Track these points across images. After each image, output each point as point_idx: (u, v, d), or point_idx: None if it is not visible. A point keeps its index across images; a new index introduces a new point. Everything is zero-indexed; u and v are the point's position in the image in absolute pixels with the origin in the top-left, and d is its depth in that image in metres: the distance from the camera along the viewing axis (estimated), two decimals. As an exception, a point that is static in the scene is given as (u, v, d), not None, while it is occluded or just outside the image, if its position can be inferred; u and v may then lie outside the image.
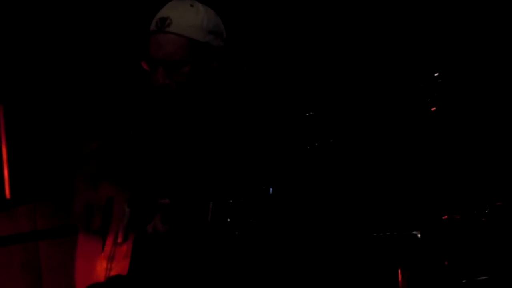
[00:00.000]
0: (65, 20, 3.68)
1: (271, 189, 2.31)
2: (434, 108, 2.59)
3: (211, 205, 2.32)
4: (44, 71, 3.66)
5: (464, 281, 2.77)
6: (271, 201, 2.31)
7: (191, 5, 2.52)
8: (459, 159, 2.89)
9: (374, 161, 3.07)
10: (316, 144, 2.59)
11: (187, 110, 2.55)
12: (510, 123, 2.85)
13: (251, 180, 2.48)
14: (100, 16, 3.71)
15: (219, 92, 2.59)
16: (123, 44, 3.66)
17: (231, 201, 2.31)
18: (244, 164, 2.52)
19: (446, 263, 2.83)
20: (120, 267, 2.49)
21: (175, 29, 2.47)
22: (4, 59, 3.60)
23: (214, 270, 2.49)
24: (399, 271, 2.96)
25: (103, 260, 2.54)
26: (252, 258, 2.50)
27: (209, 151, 2.55)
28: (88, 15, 3.70)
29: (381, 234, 2.83)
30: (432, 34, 3.27)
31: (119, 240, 2.49)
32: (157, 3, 2.62)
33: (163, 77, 2.48)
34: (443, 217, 2.86)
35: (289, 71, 3.33)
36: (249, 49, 3.49)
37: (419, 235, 2.83)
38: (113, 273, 2.50)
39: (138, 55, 2.55)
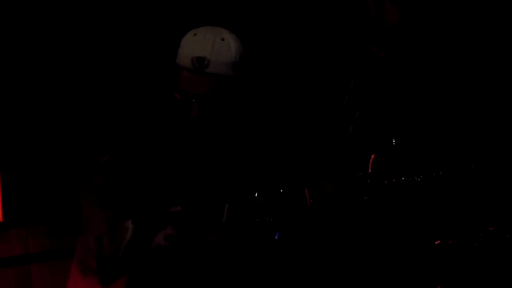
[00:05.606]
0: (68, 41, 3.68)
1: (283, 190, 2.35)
2: None
3: (227, 206, 2.36)
4: (38, 95, 3.65)
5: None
6: (286, 201, 2.34)
7: (222, 39, 2.51)
8: (451, 183, 2.90)
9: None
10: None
11: (210, 130, 2.60)
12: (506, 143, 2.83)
13: (266, 180, 2.52)
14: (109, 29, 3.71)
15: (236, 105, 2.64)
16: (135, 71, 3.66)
17: (246, 202, 2.34)
18: (259, 165, 2.56)
19: (439, 287, 2.85)
20: None
21: (213, 69, 2.48)
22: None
23: (228, 274, 2.52)
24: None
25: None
26: (271, 260, 2.54)
27: (223, 153, 2.59)
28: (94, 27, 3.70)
29: (372, 258, 2.84)
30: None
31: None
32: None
33: (197, 110, 2.51)
34: (436, 242, 2.88)
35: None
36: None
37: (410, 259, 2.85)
38: None
39: (169, 86, 2.59)
